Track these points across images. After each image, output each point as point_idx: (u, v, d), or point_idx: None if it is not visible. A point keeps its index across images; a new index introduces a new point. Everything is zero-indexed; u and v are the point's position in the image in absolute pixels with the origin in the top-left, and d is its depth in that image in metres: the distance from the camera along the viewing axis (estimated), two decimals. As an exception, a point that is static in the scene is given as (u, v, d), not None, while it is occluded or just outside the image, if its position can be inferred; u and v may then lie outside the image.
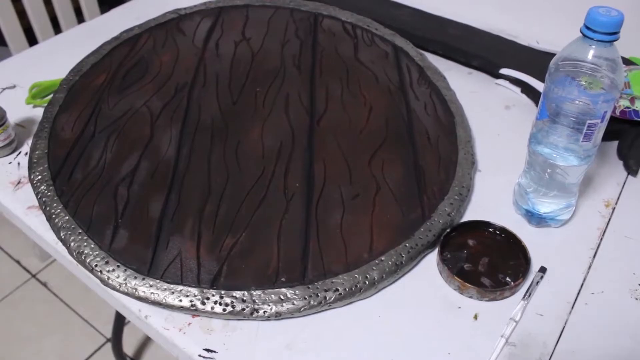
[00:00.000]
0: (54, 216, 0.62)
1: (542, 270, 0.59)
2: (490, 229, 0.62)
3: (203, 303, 0.54)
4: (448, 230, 0.61)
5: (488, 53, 0.88)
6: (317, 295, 0.55)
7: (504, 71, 0.85)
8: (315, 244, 0.60)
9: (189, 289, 0.55)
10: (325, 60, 0.86)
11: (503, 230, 0.61)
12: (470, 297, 0.57)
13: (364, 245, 0.60)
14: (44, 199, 0.64)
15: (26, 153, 0.73)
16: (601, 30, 0.51)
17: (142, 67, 0.83)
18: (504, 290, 0.56)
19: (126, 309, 0.57)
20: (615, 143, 0.75)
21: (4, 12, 1.30)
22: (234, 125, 0.74)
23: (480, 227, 0.62)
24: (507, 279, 0.58)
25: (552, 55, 0.62)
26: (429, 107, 0.78)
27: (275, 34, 0.91)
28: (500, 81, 0.86)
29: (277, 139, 0.72)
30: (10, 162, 0.72)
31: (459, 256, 0.60)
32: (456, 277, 0.57)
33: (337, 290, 0.56)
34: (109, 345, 1.37)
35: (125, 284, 0.56)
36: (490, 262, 0.59)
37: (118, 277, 0.57)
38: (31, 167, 0.68)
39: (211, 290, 0.55)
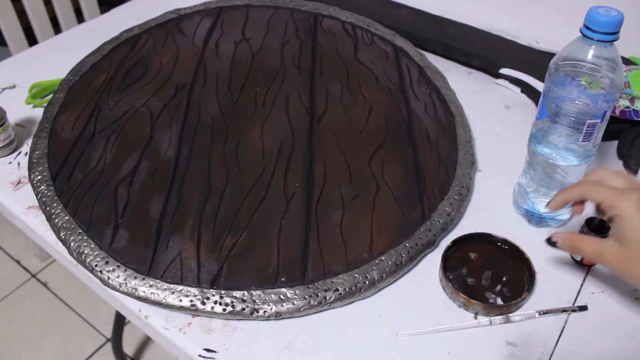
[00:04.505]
0: (54, 216, 0.62)
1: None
2: (492, 241, 0.61)
3: (203, 303, 0.54)
4: (450, 244, 0.60)
5: (488, 53, 0.88)
6: (317, 295, 0.55)
7: (504, 71, 0.85)
8: (315, 243, 0.60)
9: (189, 289, 0.55)
10: (325, 60, 0.86)
11: (505, 241, 0.60)
12: (476, 313, 0.56)
13: (364, 245, 0.60)
14: (44, 199, 0.64)
15: (26, 153, 0.73)
16: (601, 30, 0.51)
17: (142, 67, 0.83)
18: (510, 306, 0.55)
19: (126, 309, 0.57)
20: (615, 143, 0.75)
21: (4, 12, 1.30)
22: (234, 125, 0.74)
23: (481, 239, 0.61)
24: (511, 293, 0.56)
25: (552, 55, 0.62)
26: (429, 107, 0.78)
27: (275, 34, 0.91)
28: (500, 81, 0.86)
29: (277, 139, 0.72)
30: (10, 162, 0.72)
31: (462, 270, 0.58)
32: (461, 294, 0.55)
33: (337, 290, 0.56)
34: (109, 345, 1.37)
35: (125, 284, 0.56)
36: (494, 275, 0.58)
37: (118, 277, 0.57)
38: (31, 167, 0.68)
39: (211, 290, 0.55)
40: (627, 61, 0.81)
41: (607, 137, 0.67)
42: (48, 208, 0.63)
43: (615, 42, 0.52)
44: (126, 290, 0.56)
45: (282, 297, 0.55)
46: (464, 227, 0.65)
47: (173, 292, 0.55)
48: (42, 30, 1.38)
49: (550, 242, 0.51)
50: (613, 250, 0.46)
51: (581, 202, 0.53)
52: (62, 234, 0.61)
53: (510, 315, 0.55)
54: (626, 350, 0.53)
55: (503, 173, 0.70)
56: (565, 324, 0.55)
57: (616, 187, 0.48)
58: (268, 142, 0.72)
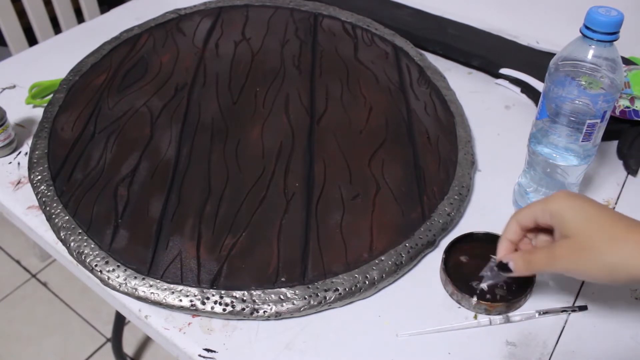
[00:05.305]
0: (54, 216, 0.62)
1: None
2: (492, 240, 0.57)
3: (203, 303, 0.54)
4: (450, 244, 0.59)
5: (488, 53, 0.88)
6: (317, 295, 0.55)
7: (504, 71, 0.85)
8: (315, 243, 0.60)
9: (189, 288, 0.55)
10: (325, 60, 0.86)
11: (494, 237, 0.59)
12: (477, 313, 0.56)
13: (364, 245, 0.60)
14: (44, 199, 0.64)
15: (26, 153, 0.73)
16: (601, 30, 0.51)
17: (142, 67, 0.83)
18: (510, 306, 0.55)
19: (126, 309, 0.57)
20: (615, 143, 0.75)
21: (4, 12, 1.30)
22: (234, 125, 0.74)
23: (481, 238, 0.60)
24: (511, 292, 0.56)
25: (552, 55, 0.62)
26: (429, 107, 0.78)
27: (275, 34, 0.91)
28: (500, 81, 0.86)
29: (277, 139, 0.72)
30: (10, 162, 0.72)
31: (462, 270, 0.58)
32: (462, 294, 0.55)
33: (337, 290, 0.56)
34: (109, 345, 1.37)
35: (125, 284, 0.56)
36: None
37: (118, 277, 0.57)
38: (31, 167, 0.68)
39: (211, 290, 0.55)
40: (627, 61, 0.81)
41: (607, 137, 0.67)
42: (48, 208, 0.63)
43: (615, 42, 0.52)
44: (126, 290, 0.56)
45: (282, 297, 0.55)
46: (464, 227, 0.65)
47: (173, 292, 0.55)
48: (42, 30, 1.38)
49: (504, 268, 0.49)
50: (562, 248, 0.45)
51: (523, 237, 0.52)
52: (62, 234, 0.61)
53: (510, 315, 0.55)
54: (626, 350, 0.53)
55: (503, 173, 0.70)
56: (565, 324, 0.55)
57: (540, 200, 0.48)
58: (268, 142, 0.72)
